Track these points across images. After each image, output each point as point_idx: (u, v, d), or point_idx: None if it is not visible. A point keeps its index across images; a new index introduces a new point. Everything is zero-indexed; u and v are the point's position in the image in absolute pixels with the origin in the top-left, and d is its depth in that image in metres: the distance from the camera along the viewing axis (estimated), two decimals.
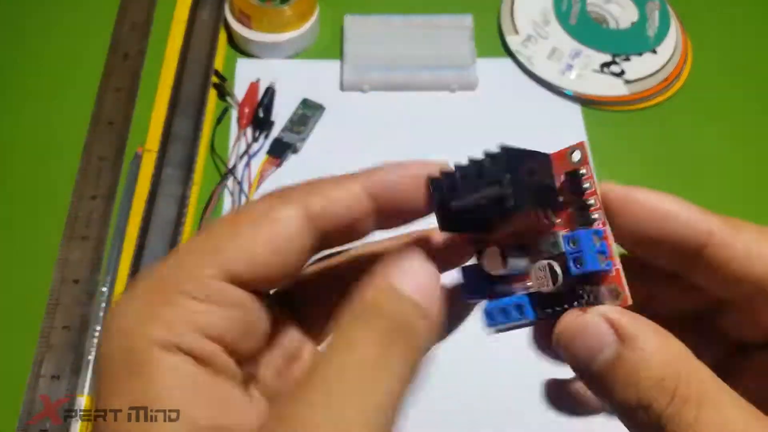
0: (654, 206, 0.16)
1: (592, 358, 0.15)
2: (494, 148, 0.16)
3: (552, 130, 0.47)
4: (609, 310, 0.15)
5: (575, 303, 0.16)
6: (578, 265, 0.16)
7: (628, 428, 0.15)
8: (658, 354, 0.15)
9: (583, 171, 0.17)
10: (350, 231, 0.17)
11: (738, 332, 0.18)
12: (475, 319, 0.18)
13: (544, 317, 0.17)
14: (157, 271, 0.16)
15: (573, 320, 0.16)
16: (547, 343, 0.19)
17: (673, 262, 0.17)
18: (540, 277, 0.16)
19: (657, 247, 0.16)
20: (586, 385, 0.16)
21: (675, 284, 0.18)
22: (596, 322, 0.15)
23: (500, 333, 0.18)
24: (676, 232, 0.16)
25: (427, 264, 0.16)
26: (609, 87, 0.48)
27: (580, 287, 0.16)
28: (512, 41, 0.50)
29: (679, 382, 0.14)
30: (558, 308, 0.16)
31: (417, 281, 0.16)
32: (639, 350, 0.15)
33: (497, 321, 0.17)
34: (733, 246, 0.16)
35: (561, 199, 0.17)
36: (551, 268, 0.16)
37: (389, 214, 0.17)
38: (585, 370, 0.15)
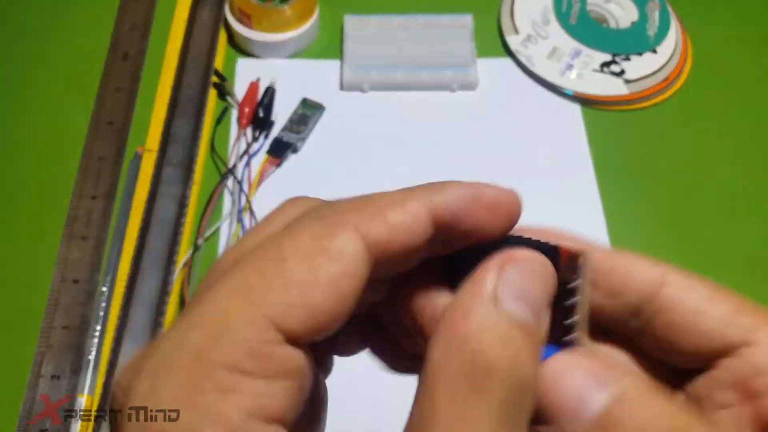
0: (612, 266, 0.15)
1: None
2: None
3: (552, 129, 0.47)
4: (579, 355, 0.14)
5: None
6: None
7: None
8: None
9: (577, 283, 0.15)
10: (403, 260, 0.14)
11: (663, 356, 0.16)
12: None
13: None
14: (190, 340, 0.12)
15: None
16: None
17: (624, 311, 0.15)
18: None
19: (612, 298, 0.15)
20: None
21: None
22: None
23: None
24: (630, 286, 0.15)
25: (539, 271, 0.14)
26: (609, 86, 0.48)
27: None
28: (512, 41, 0.50)
29: None
30: None
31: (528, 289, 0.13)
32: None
33: None
34: (683, 301, 0.15)
35: None
36: None
37: (448, 240, 0.14)
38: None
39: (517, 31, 0.50)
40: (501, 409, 0.12)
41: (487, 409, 0.12)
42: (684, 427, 0.13)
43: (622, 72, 0.49)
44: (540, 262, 0.14)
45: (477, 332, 0.12)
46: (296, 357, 0.13)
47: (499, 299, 0.13)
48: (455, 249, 0.15)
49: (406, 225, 0.14)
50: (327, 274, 0.13)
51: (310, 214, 0.14)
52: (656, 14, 0.51)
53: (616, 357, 0.16)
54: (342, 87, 0.47)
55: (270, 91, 0.46)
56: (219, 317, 0.13)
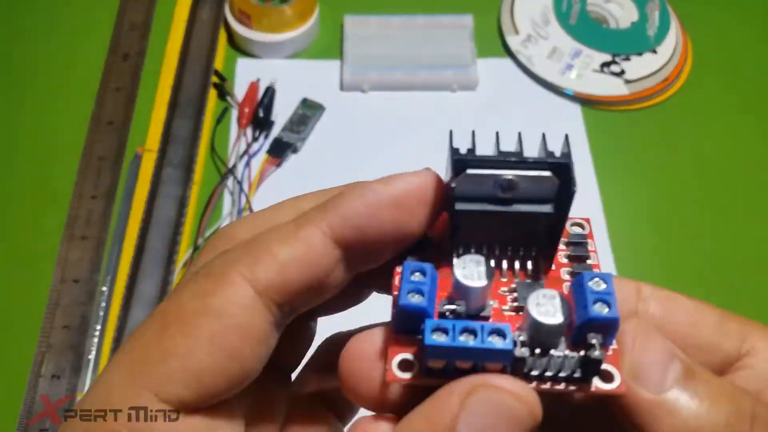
0: None
1: None
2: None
3: (552, 130, 0.47)
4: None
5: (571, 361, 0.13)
6: (602, 310, 0.13)
7: None
8: None
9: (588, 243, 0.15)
10: (319, 290, 0.13)
11: None
12: None
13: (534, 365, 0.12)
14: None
15: None
16: None
17: None
18: (544, 304, 0.13)
19: None
20: None
21: None
22: None
23: (424, 379, 0.13)
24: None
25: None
26: (609, 87, 0.48)
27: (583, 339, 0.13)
28: (512, 41, 0.50)
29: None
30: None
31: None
32: None
33: (452, 345, 0.12)
34: (673, 314, 0.14)
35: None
36: (562, 297, 0.13)
37: (362, 255, 0.14)
38: None
39: (517, 32, 0.50)
40: None
41: None
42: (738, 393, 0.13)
43: (622, 72, 0.49)
44: (516, 395, 0.12)
45: None
46: (183, 426, 0.12)
47: None
48: (386, 257, 0.14)
49: (300, 257, 0.13)
50: (207, 333, 0.12)
51: (199, 270, 0.13)
52: (656, 14, 0.52)
53: None
54: (342, 87, 0.47)
55: (270, 91, 0.46)
56: (103, 396, 0.13)
